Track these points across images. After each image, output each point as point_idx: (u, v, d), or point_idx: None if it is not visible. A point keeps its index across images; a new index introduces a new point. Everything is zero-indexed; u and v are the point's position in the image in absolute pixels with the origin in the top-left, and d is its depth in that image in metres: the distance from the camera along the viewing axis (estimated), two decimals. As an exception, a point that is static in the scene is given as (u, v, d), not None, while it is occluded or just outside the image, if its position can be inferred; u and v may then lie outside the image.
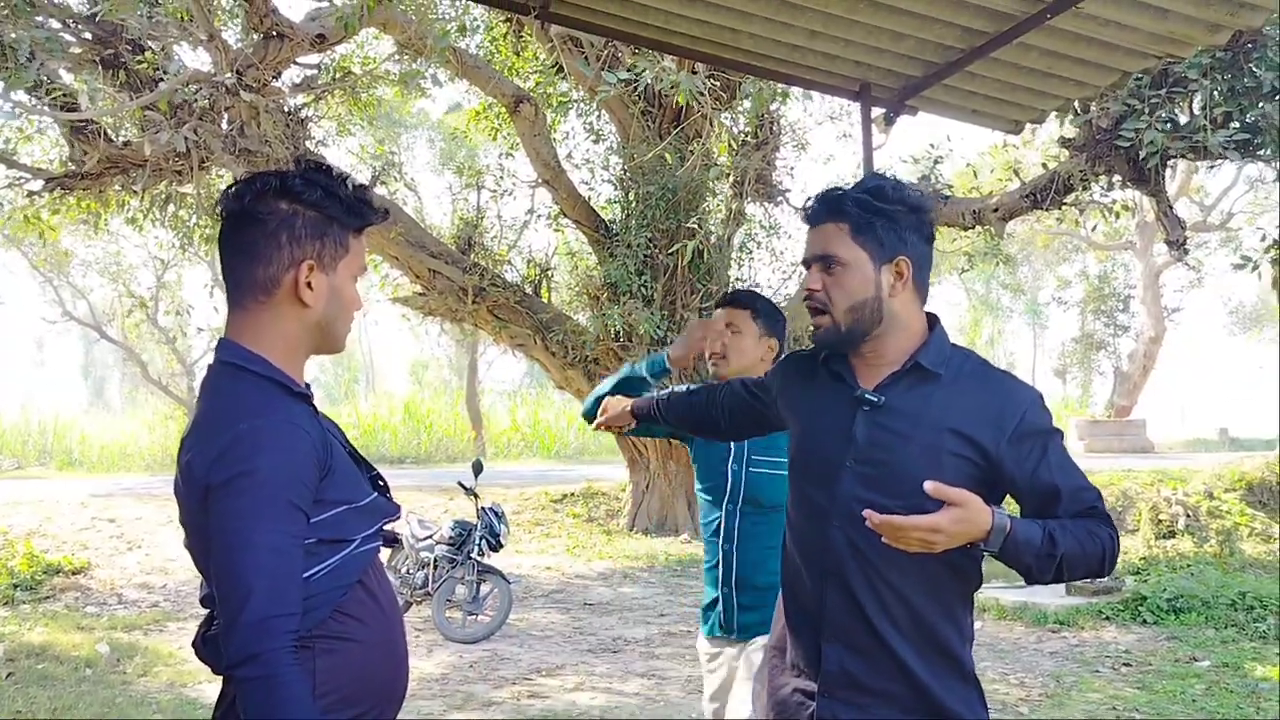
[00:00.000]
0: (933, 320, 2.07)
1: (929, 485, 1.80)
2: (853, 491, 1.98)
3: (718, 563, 3.08)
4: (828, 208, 2.01)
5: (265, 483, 1.64)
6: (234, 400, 1.73)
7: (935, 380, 2.00)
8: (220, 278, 1.97)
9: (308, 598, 1.68)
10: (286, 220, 1.79)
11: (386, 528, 1.88)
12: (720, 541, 3.07)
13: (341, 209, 1.82)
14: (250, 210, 1.79)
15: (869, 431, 2.00)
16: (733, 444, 3.02)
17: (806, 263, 2.05)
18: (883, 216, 1.97)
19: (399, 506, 1.95)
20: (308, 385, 1.86)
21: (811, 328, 2.07)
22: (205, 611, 1.83)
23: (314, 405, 1.84)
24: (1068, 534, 1.87)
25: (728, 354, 3.06)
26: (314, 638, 1.70)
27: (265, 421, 1.69)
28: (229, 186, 1.84)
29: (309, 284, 1.79)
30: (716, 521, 3.10)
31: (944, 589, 2.03)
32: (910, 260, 1.99)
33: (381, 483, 1.92)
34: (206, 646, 1.80)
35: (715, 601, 3.11)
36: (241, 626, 1.59)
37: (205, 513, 1.66)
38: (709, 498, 3.14)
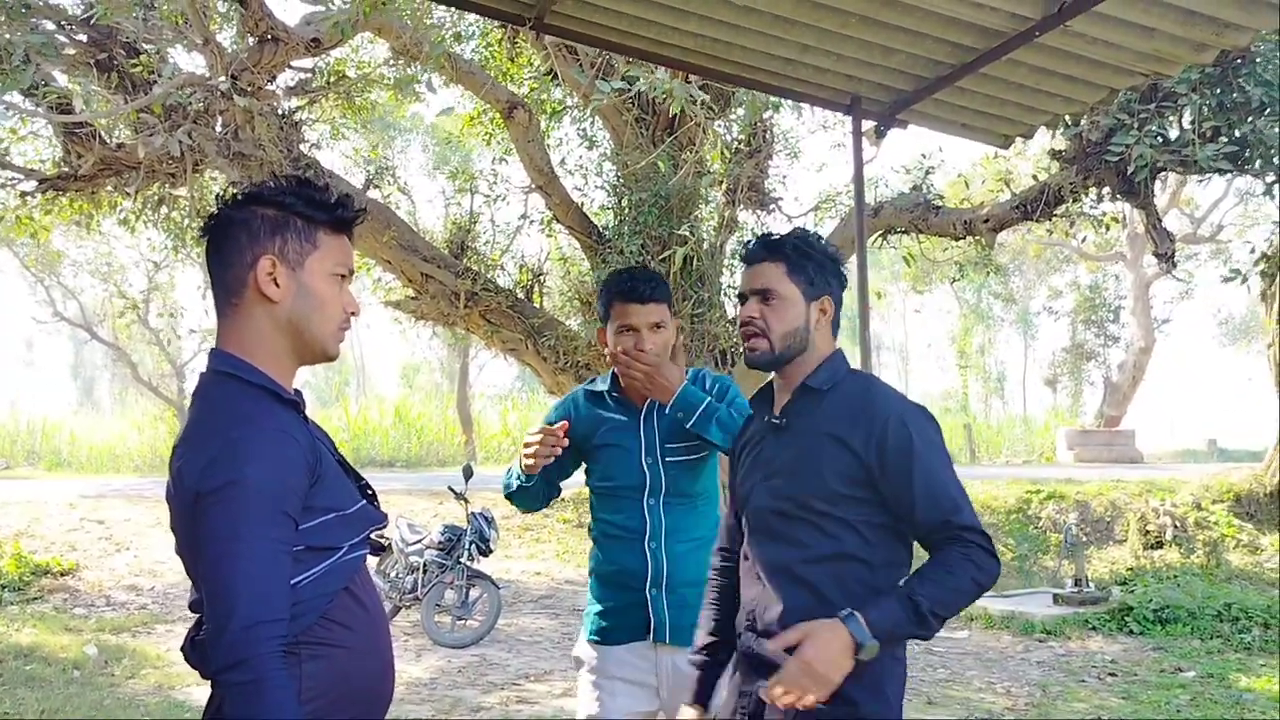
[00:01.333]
0: (837, 354, 2.36)
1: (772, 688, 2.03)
2: (761, 504, 2.30)
3: (643, 566, 2.87)
4: (767, 249, 2.32)
5: (254, 490, 1.66)
6: (224, 408, 1.75)
7: (820, 395, 2.28)
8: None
9: (295, 604, 1.70)
10: (244, 222, 1.82)
11: (373, 536, 1.90)
12: (645, 540, 2.88)
13: (304, 204, 1.84)
14: (216, 221, 1.84)
15: (774, 450, 2.32)
16: (643, 437, 2.93)
17: (743, 296, 2.35)
18: (813, 261, 2.29)
19: (386, 515, 1.97)
20: (298, 392, 1.88)
21: (746, 350, 2.36)
22: (194, 615, 1.85)
23: (304, 413, 1.86)
24: (928, 584, 2.06)
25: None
26: (300, 644, 1.72)
27: (255, 429, 1.71)
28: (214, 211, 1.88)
29: (274, 280, 1.80)
30: (631, 520, 2.92)
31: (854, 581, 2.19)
32: (832, 300, 2.32)
33: (369, 491, 1.94)
34: (195, 651, 1.82)
35: (632, 607, 2.89)
36: (229, 632, 1.61)
37: (195, 519, 1.68)
38: (619, 495, 2.95)
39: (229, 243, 1.82)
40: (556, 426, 2.87)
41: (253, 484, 1.66)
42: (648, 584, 2.88)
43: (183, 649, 1.88)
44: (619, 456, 2.95)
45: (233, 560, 1.64)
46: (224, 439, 1.69)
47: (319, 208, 1.85)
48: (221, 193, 1.88)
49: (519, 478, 2.99)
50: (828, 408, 2.25)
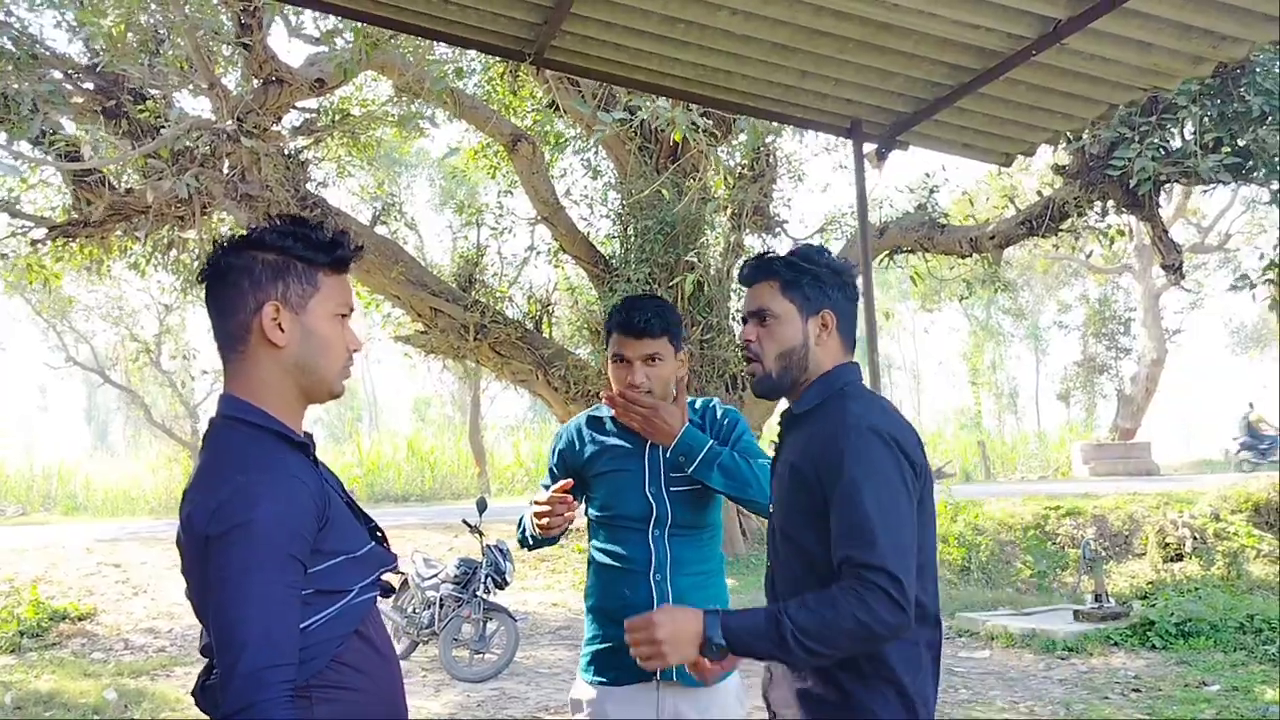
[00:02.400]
0: (850, 371, 2.24)
1: None
2: (775, 525, 2.28)
3: (649, 599, 2.73)
4: (760, 269, 2.28)
5: (263, 534, 1.66)
6: (232, 453, 1.77)
7: (800, 420, 2.23)
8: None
9: (305, 648, 1.70)
10: (245, 268, 1.81)
11: (385, 577, 1.90)
12: (650, 571, 2.76)
13: (304, 247, 1.83)
14: (215, 269, 1.84)
15: (774, 479, 2.31)
16: (646, 468, 2.81)
17: (744, 319, 2.30)
18: (808, 275, 2.21)
19: (396, 556, 1.97)
20: (308, 434, 1.89)
21: (747, 376, 2.34)
22: (206, 659, 1.85)
23: (313, 455, 1.87)
24: (802, 611, 1.94)
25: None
26: (312, 687, 1.72)
27: (263, 473, 1.72)
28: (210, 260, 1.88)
29: (279, 325, 1.80)
30: (635, 551, 2.79)
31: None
32: (834, 313, 2.22)
33: (379, 533, 1.95)
34: (205, 696, 1.82)
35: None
36: (237, 677, 1.61)
37: (205, 563, 1.69)
38: (621, 525, 2.83)
39: (231, 290, 1.82)
40: (560, 486, 2.81)
41: (261, 528, 1.66)
42: None
43: (193, 693, 1.89)
44: (622, 484, 2.84)
45: (241, 604, 1.64)
46: (233, 483, 1.70)
47: (319, 249, 1.85)
48: (218, 238, 1.87)
49: (533, 537, 2.92)
50: (799, 433, 2.20)
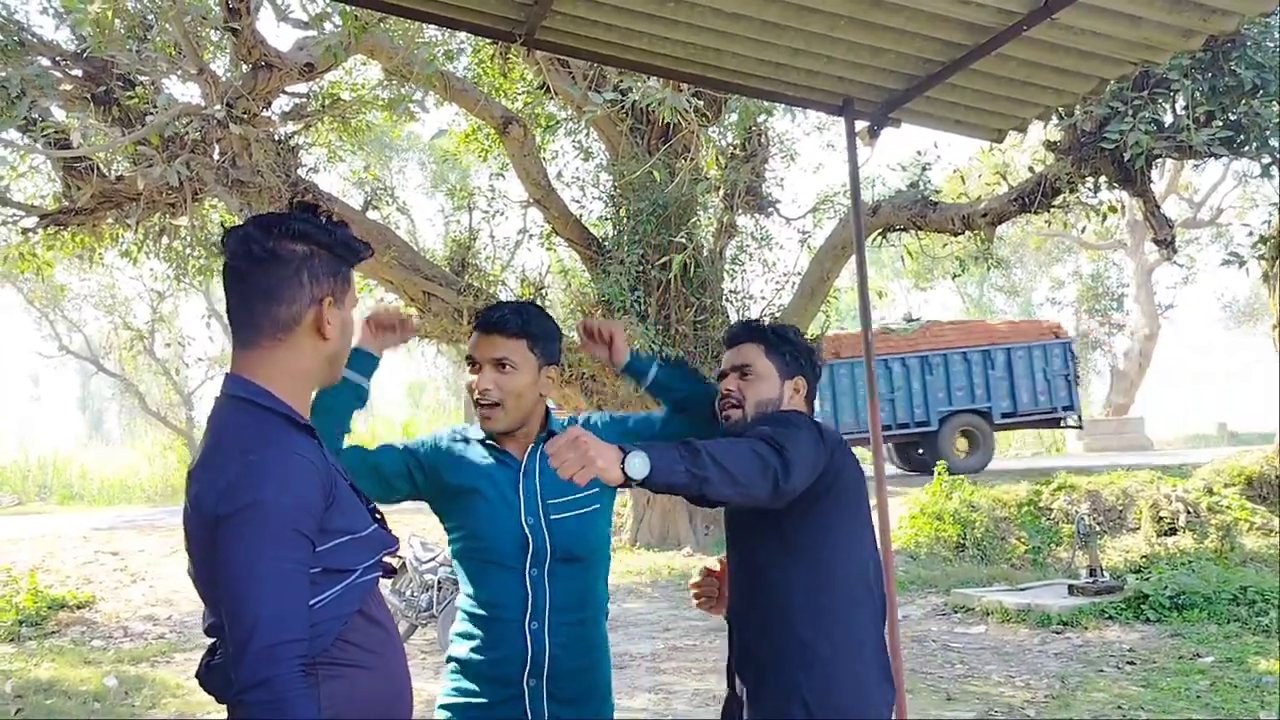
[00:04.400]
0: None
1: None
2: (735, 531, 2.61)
3: (522, 651, 2.37)
4: (750, 332, 2.62)
5: (272, 512, 1.68)
6: (241, 433, 1.78)
7: None
8: (221, 311, 2.02)
9: (311, 625, 1.72)
10: (306, 260, 1.86)
11: (385, 559, 1.92)
12: (525, 620, 2.38)
13: (345, 246, 1.91)
14: (270, 252, 1.84)
15: None
16: (523, 492, 2.42)
17: (723, 374, 2.59)
18: (790, 345, 2.60)
19: (397, 539, 1.99)
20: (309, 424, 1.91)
21: (722, 419, 2.56)
22: (210, 641, 1.87)
23: (317, 438, 1.89)
24: (710, 441, 2.14)
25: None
26: (318, 664, 1.74)
27: (272, 451, 1.74)
28: (234, 229, 1.89)
29: (329, 320, 1.87)
30: (507, 595, 2.40)
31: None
32: (805, 380, 2.60)
33: (379, 516, 1.97)
34: (211, 675, 1.84)
35: (505, 702, 2.38)
36: (250, 653, 1.63)
37: (214, 542, 1.70)
38: (493, 562, 2.41)
39: (289, 280, 1.85)
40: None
41: (271, 506, 1.68)
42: (525, 674, 2.37)
43: (198, 675, 1.90)
44: (491, 513, 2.41)
45: (252, 582, 1.66)
46: (242, 462, 1.71)
47: (354, 252, 1.93)
48: (266, 221, 1.87)
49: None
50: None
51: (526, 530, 2.39)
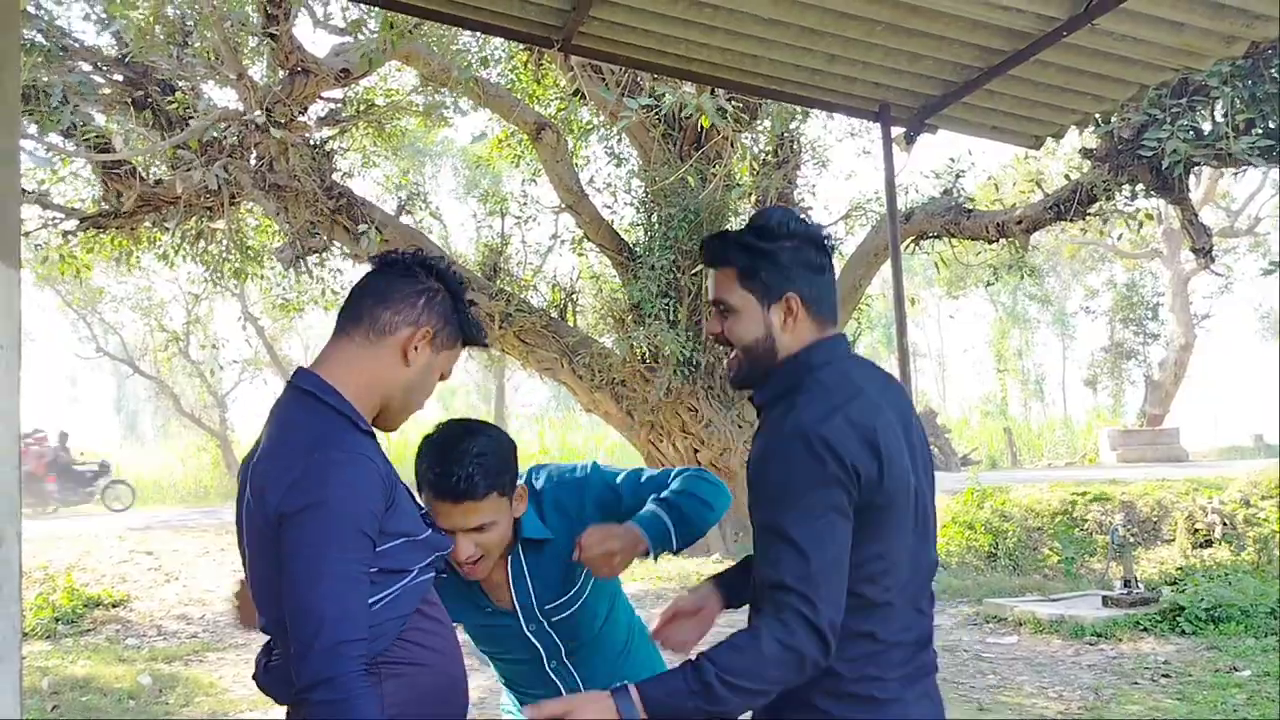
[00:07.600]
0: (817, 352, 1.99)
1: None
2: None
3: (555, 691, 2.45)
4: (714, 255, 2.05)
5: (337, 512, 1.70)
6: (306, 430, 1.80)
7: (761, 412, 2.03)
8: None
9: (372, 625, 1.74)
10: (431, 290, 1.94)
11: (440, 559, 1.94)
12: (545, 664, 2.47)
13: (468, 320, 2.00)
14: (409, 269, 1.95)
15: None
16: (519, 607, 2.36)
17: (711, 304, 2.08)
18: (766, 258, 1.97)
19: (451, 541, 2.01)
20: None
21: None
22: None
23: (377, 441, 1.92)
24: (728, 647, 1.80)
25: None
26: (380, 664, 1.77)
27: (337, 451, 1.76)
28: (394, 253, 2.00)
29: (416, 347, 1.91)
30: (528, 678, 2.51)
31: None
32: (799, 294, 1.98)
33: (429, 519, 1.99)
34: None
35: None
36: (315, 651, 1.65)
37: (278, 539, 1.72)
38: (514, 665, 2.52)
39: (407, 294, 1.92)
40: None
41: (336, 505, 1.70)
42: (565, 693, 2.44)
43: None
44: (492, 634, 2.46)
45: (318, 580, 1.68)
46: (308, 459, 1.73)
47: (475, 328, 2.02)
48: (420, 255, 1.99)
49: None
50: (761, 427, 2.01)
51: (533, 639, 2.42)
